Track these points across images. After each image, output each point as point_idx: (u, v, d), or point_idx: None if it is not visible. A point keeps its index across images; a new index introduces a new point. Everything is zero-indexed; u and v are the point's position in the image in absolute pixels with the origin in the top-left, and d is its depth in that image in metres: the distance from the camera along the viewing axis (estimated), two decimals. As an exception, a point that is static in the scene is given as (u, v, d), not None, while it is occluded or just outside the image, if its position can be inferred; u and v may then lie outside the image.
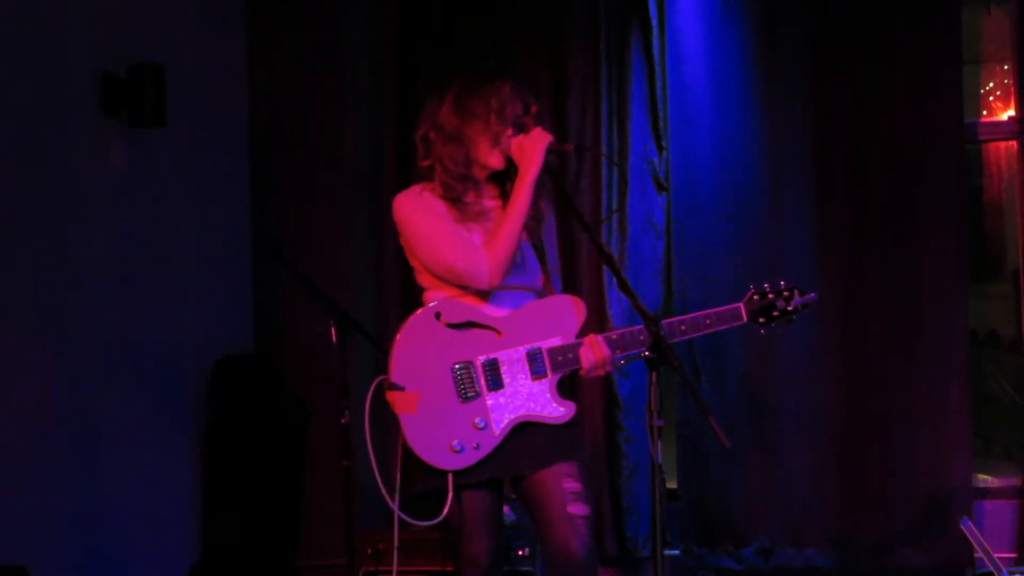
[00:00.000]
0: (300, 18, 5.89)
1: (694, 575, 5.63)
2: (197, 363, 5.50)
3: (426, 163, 3.73)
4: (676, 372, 3.35)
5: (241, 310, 5.86)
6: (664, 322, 3.62)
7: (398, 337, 3.64)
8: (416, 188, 3.75)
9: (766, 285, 3.75)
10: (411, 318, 3.66)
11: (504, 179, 3.72)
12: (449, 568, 4.73)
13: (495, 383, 3.62)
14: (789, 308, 3.74)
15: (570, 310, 3.69)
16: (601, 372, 3.66)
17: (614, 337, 3.63)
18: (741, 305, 3.72)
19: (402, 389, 3.59)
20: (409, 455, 3.61)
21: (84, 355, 4.80)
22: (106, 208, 4.96)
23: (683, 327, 3.66)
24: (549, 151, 3.61)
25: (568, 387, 3.71)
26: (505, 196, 3.72)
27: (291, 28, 5.89)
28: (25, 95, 4.55)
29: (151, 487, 5.16)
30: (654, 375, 3.50)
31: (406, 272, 3.91)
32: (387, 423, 3.70)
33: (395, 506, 3.64)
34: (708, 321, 3.68)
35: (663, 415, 3.46)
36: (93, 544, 4.81)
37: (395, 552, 3.75)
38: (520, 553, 5.04)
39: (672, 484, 5.67)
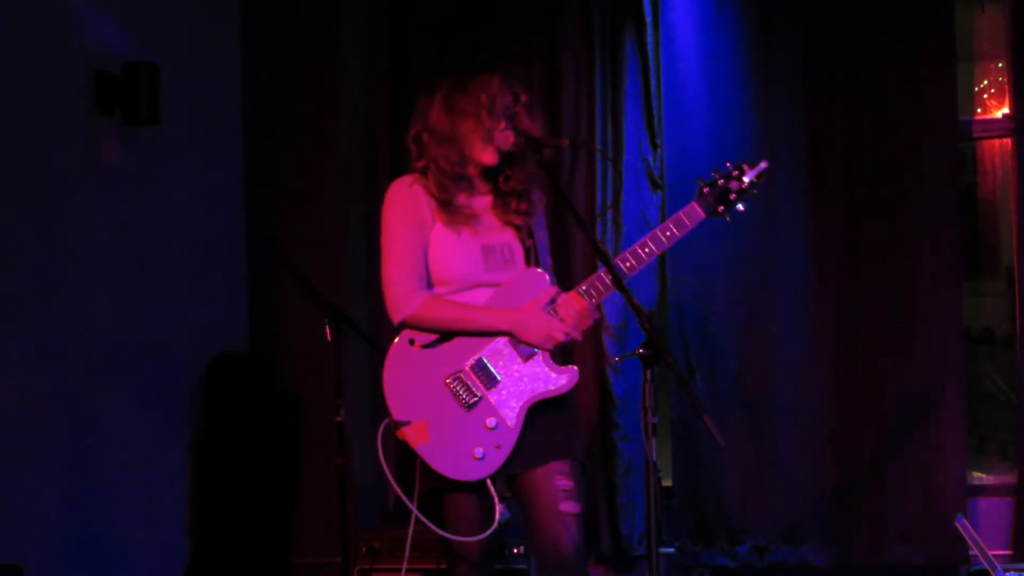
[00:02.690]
0: (293, 15, 5.88)
1: (689, 573, 5.63)
2: (191, 361, 5.50)
3: (420, 164, 3.72)
4: (670, 370, 3.34)
5: (235, 308, 5.85)
6: (622, 255, 3.58)
7: (384, 376, 3.64)
8: (409, 179, 3.73)
9: (713, 172, 3.67)
10: (389, 354, 3.66)
11: (496, 174, 3.71)
12: (444, 567, 4.73)
13: (490, 380, 3.61)
14: (744, 185, 3.65)
15: (535, 281, 3.67)
16: (588, 324, 3.62)
17: (583, 288, 3.59)
18: (694, 203, 3.65)
19: (408, 423, 3.58)
20: (414, 458, 3.61)
21: (77, 353, 4.79)
22: (100, 206, 4.96)
23: (645, 250, 3.60)
24: (544, 145, 3.61)
25: (566, 352, 3.68)
26: (497, 191, 3.71)
27: (284, 25, 5.89)
28: (19, 93, 4.54)
29: (145, 486, 5.15)
30: (649, 373, 3.50)
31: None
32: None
33: (414, 508, 3.63)
34: (668, 234, 3.61)
35: (658, 413, 3.46)
36: (87, 543, 4.80)
37: (406, 552, 3.71)
38: (515, 551, 5.04)
39: (667, 482, 5.68)
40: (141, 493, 5.11)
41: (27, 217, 4.56)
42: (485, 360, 3.62)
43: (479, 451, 3.57)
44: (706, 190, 3.65)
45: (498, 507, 3.58)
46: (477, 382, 3.61)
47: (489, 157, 3.66)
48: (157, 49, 5.12)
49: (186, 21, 5.53)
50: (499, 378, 3.61)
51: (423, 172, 3.71)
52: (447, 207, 3.67)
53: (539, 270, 3.70)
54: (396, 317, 3.64)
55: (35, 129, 4.62)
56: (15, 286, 4.48)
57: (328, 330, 4.36)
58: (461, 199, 3.69)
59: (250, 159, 5.91)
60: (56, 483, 4.66)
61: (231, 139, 5.88)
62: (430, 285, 3.70)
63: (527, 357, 3.62)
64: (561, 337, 3.58)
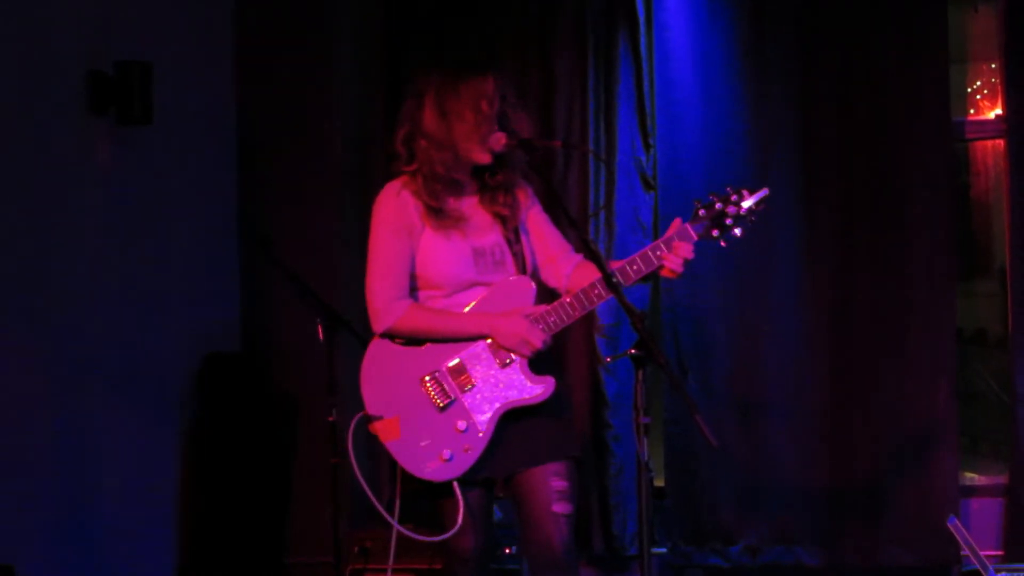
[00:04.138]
0: (288, 15, 5.87)
1: (681, 573, 5.64)
2: (184, 362, 5.49)
3: (411, 168, 3.69)
4: (663, 370, 3.34)
5: (229, 308, 5.84)
6: (615, 267, 3.55)
7: (362, 370, 3.65)
8: (397, 184, 3.71)
9: (711, 195, 3.61)
10: (369, 348, 3.67)
11: (483, 172, 3.70)
12: (438, 567, 4.73)
13: (466, 383, 3.61)
14: (742, 212, 3.59)
15: (519, 289, 3.67)
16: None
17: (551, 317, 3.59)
18: (687, 225, 3.60)
19: (380, 418, 3.59)
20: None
21: (70, 354, 4.78)
22: (93, 206, 4.95)
23: (634, 267, 3.56)
24: (535, 147, 3.61)
25: (547, 362, 3.66)
26: (485, 189, 3.70)
27: (278, 24, 5.88)
28: (12, 93, 4.53)
29: (138, 485, 5.14)
30: (641, 373, 3.49)
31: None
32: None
33: (395, 522, 3.64)
34: (659, 253, 3.57)
35: (650, 413, 3.45)
36: (80, 542, 4.80)
37: (391, 553, 3.73)
38: (507, 551, 5.04)
39: (660, 482, 5.67)
40: (133, 492, 5.10)
41: (19, 217, 4.55)
42: (463, 362, 3.62)
43: (447, 452, 3.57)
44: (701, 212, 3.60)
45: (461, 509, 3.58)
46: (453, 384, 3.61)
47: (483, 158, 3.65)
48: (151, 48, 5.12)
49: (180, 20, 5.52)
50: (476, 382, 3.61)
51: (413, 176, 3.69)
52: (437, 212, 3.66)
53: (528, 279, 3.70)
54: (378, 327, 3.65)
55: (28, 128, 4.61)
56: (6, 285, 4.48)
57: (321, 330, 4.37)
58: (450, 204, 3.68)
59: (244, 158, 5.90)
60: (48, 483, 4.66)
61: (225, 138, 5.87)
62: (418, 290, 3.70)
63: (504, 364, 3.61)
64: (539, 344, 3.57)
